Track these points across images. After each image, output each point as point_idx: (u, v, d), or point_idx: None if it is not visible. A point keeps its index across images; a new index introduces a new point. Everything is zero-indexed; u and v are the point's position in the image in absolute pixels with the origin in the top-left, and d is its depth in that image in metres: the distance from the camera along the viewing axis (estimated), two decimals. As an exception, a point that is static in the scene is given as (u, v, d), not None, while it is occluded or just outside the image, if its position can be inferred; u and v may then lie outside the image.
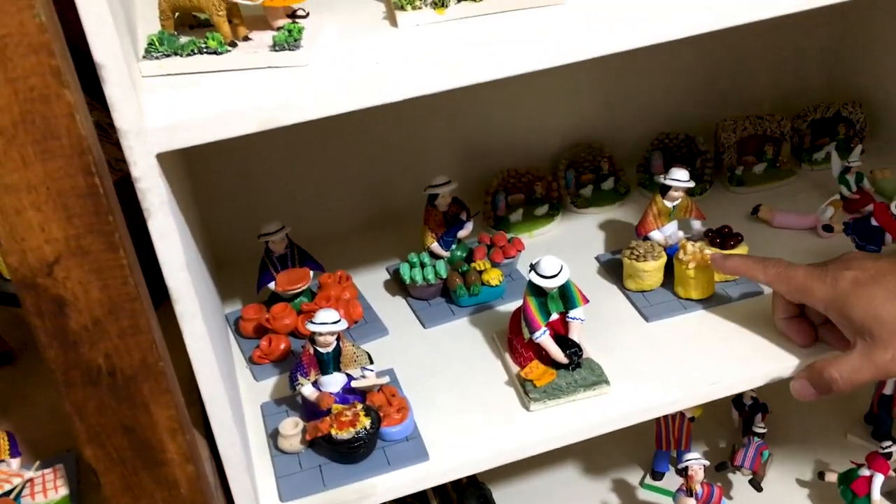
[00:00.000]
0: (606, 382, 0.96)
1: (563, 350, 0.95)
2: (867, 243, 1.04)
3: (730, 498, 1.34)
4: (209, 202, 1.21)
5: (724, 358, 1.00)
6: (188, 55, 0.71)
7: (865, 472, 1.23)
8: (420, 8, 0.77)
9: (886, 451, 1.24)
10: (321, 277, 1.11)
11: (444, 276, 1.11)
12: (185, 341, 0.72)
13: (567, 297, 0.96)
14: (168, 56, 0.72)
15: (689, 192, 1.28)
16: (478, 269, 1.11)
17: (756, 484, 1.30)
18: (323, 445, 0.89)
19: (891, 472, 1.23)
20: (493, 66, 0.72)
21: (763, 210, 1.22)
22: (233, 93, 0.68)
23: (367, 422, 0.88)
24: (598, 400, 0.96)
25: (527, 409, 0.95)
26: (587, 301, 0.98)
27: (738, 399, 1.41)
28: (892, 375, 0.89)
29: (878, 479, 1.21)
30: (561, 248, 1.23)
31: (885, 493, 1.28)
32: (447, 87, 0.71)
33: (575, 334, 0.97)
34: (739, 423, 1.42)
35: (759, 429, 1.33)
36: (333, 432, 0.86)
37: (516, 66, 0.73)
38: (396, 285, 1.18)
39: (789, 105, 1.41)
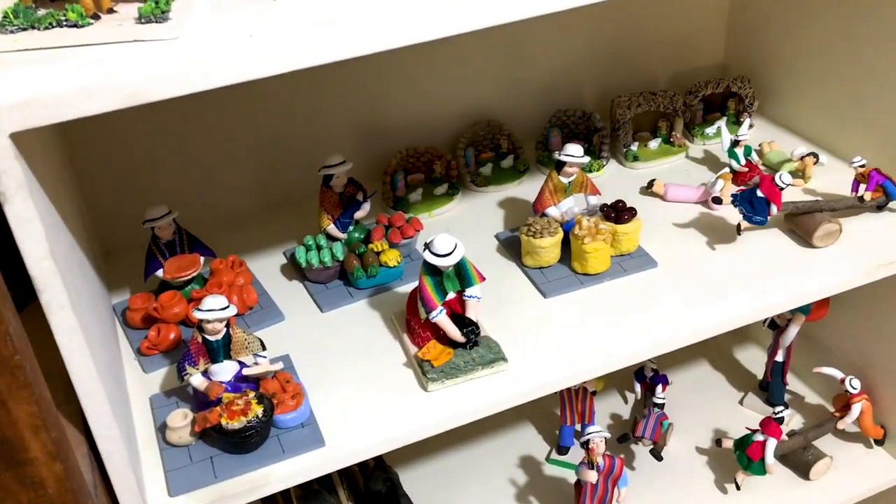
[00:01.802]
0: (504, 359, 0.95)
1: (460, 329, 0.95)
2: (754, 214, 1.07)
3: (633, 468, 1.37)
4: (94, 188, 1.15)
5: (621, 330, 1.01)
6: (46, 28, 0.67)
7: (759, 437, 1.26)
8: (299, -23, 0.74)
9: (778, 416, 1.28)
10: (212, 263, 1.08)
11: (341, 258, 1.09)
12: (54, 334, 0.67)
13: (463, 275, 0.95)
14: (24, 30, 0.67)
15: (585, 167, 1.29)
16: (375, 250, 1.09)
17: (656, 454, 1.33)
18: (214, 436, 0.86)
19: (783, 437, 1.28)
20: (376, 37, 0.70)
21: (656, 184, 1.24)
22: (94, 68, 0.64)
23: (259, 410, 0.85)
24: (497, 377, 0.96)
25: (425, 389, 0.94)
26: (483, 279, 0.97)
27: (639, 371, 1.44)
28: None
29: (772, 444, 1.25)
30: (460, 227, 1.22)
31: (780, 457, 1.33)
32: (327, 61, 0.68)
33: (472, 312, 0.96)
34: (642, 395, 1.45)
35: (659, 399, 1.35)
36: (223, 422, 0.83)
37: (402, 37, 0.71)
38: (293, 269, 1.15)
39: (683, 81, 1.44)
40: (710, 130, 1.35)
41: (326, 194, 1.12)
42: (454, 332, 0.94)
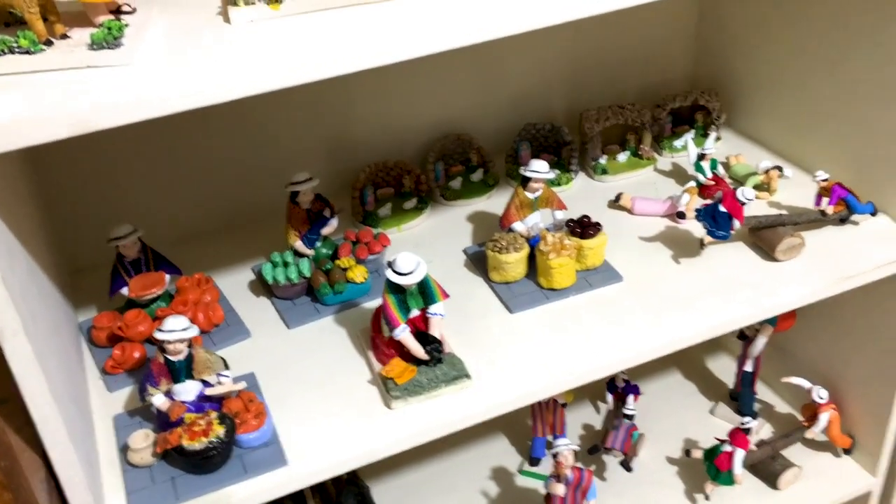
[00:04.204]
0: (467, 376, 0.96)
1: (424, 346, 0.95)
2: (717, 229, 1.08)
3: (603, 479, 1.37)
4: (59, 207, 1.15)
5: (586, 346, 1.02)
6: (-2, 55, 0.67)
7: (727, 447, 1.27)
8: (253, 3, 0.75)
9: (746, 426, 1.29)
10: (179, 281, 1.08)
11: (308, 274, 1.09)
12: (8, 361, 0.67)
13: (426, 292, 0.96)
14: (-24, 57, 0.67)
15: (555, 181, 1.30)
16: (342, 266, 1.10)
17: (626, 465, 1.33)
18: (175, 457, 0.86)
19: (751, 447, 1.29)
20: (330, 63, 0.70)
21: (624, 198, 1.25)
22: (45, 95, 0.64)
23: (221, 430, 0.85)
24: (461, 394, 0.96)
25: (388, 407, 0.94)
26: (447, 296, 0.97)
27: (611, 382, 1.44)
28: None
29: (739, 455, 1.26)
30: (429, 241, 1.23)
31: (749, 467, 1.34)
32: (278, 87, 0.69)
33: (435, 330, 0.96)
34: (614, 405, 1.46)
35: (629, 410, 1.36)
36: (184, 443, 0.84)
37: (353, 63, 0.72)
38: (261, 286, 1.15)
39: (653, 94, 1.45)
40: (678, 143, 1.36)
41: (293, 211, 1.12)
42: (417, 349, 0.94)
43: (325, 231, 1.14)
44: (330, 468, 0.90)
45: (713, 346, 1.59)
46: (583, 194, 1.31)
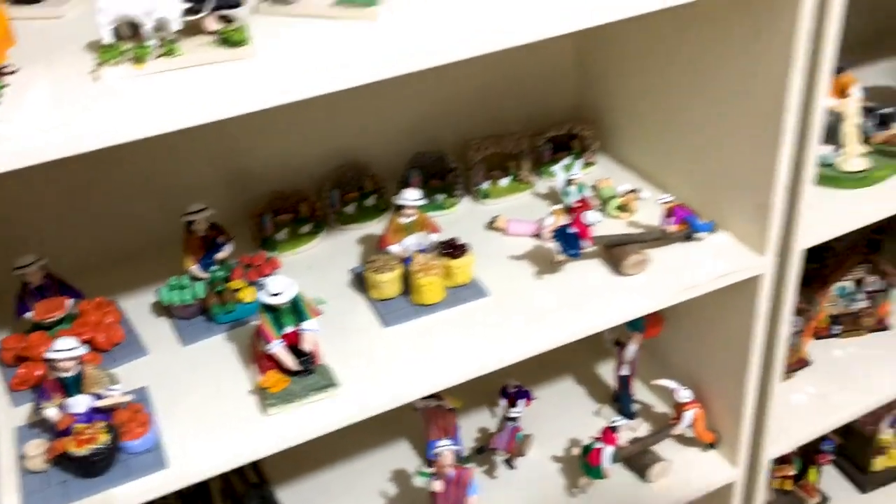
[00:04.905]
0: (335, 385, 1.08)
1: (297, 358, 1.07)
2: (568, 247, 1.21)
3: (494, 477, 1.50)
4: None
5: (450, 355, 1.14)
6: None
7: (598, 444, 1.40)
8: (120, 63, 0.86)
9: (613, 425, 1.42)
10: (80, 305, 1.18)
11: (202, 296, 1.20)
12: None
13: (298, 311, 1.07)
14: None
15: (442, 205, 1.43)
16: (233, 287, 1.21)
17: (510, 463, 1.46)
18: (66, 463, 0.97)
19: (620, 443, 1.42)
20: (185, 115, 0.82)
21: (499, 220, 1.37)
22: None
23: (106, 438, 0.96)
24: (331, 401, 1.08)
25: (265, 413, 1.06)
26: (318, 313, 1.09)
27: (504, 388, 1.57)
28: None
29: (608, 451, 1.39)
30: (320, 263, 1.34)
31: (624, 462, 1.47)
32: (140, 137, 0.81)
33: (306, 344, 1.08)
34: (507, 409, 1.58)
35: (513, 413, 1.49)
36: (71, 449, 0.94)
37: (202, 115, 0.83)
38: (161, 308, 1.26)
39: (538, 123, 1.57)
40: (556, 169, 1.49)
41: (189, 238, 1.23)
42: (289, 361, 1.06)
43: (220, 256, 1.25)
44: (208, 469, 1.01)
45: (601, 353, 1.72)
46: (466, 217, 1.43)
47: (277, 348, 1.06)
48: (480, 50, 0.92)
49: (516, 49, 0.98)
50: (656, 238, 1.28)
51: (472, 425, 1.60)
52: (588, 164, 1.51)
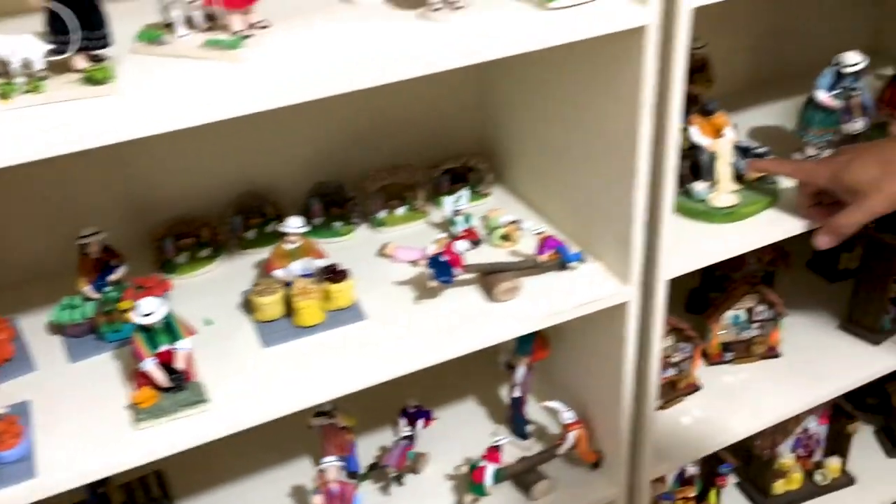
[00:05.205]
0: (205, 401, 1.14)
1: (168, 376, 1.13)
2: (440, 274, 1.28)
3: (388, 493, 1.56)
4: None
5: (321, 374, 1.21)
6: None
7: (482, 463, 1.47)
8: (-8, 97, 0.94)
9: (496, 444, 1.49)
10: (-28, 323, 1.24)
11: (92, 315, 1.27)
12: None
13: (171, 330, 1.14)
14: None
15: (339, 232, 1.50)
16: (122, 308, 1.27)
17: (398, 479, 1.52)
18: (-64, 471, 1.03)
19: (504, 461, 1.48)
20: (44, 145, 0.90)
21: (388, 247, 1.44)
22: None
23: (-25, 448, 1.02)
24: (201, 416, 1.14)
25: (136, 427, 1.12)
26: (191, 333, 1.16)
27: (404, 408, 1.63)
28: (877, 215, 1.32)
29: (490, 468, 1.46)
30: (217, 285, 1.41)
31: (511, 479, 1.54)
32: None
33: (179, 362, 1.15)
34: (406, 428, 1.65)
35: (405, 432, 1.55)
36: (-61, 459, 1.00)
37: (61, 146, 0.91)
38: (56, 326, 1.32)
39: (435, 156, 1.65)
40: (444, 199, 1.57)
41: (83, 260, 1.30)
42: (160, 378, 1.13)
43: (113, 277, 1.31)
44: (76, 479, 1.07)
45: (504, 375, 1.79)
46: (361, 244, 1.50)
47: (149, 366, 1.12)
48: (328, 92, 1.00)
49: (416, 83, 1.06)
50: (529, 267, 1.36)
51: (379, 444, 1.66)
52: (482, 196, 1.59)
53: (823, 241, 1.39)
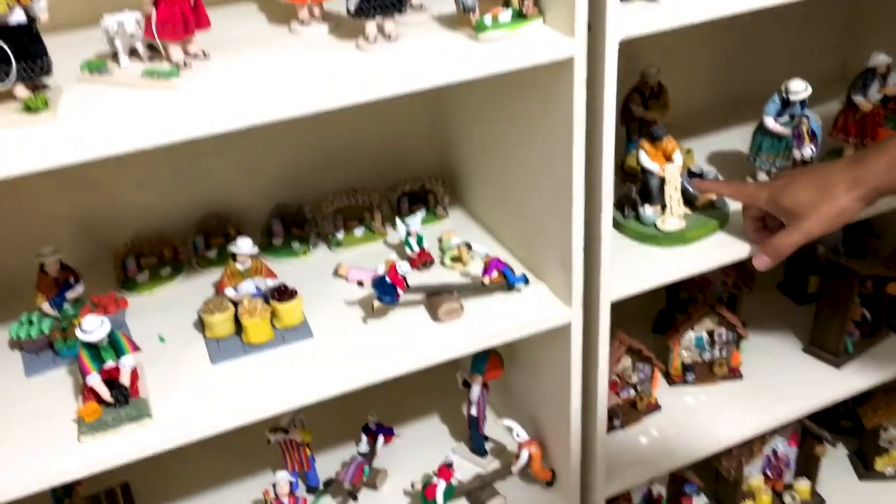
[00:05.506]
0: (148, 416, 1.18)
1: (112, 391, 1.17)
2: (384, 295, 1.32)
3: (351, 507, 1.59)
4: None
5: (265, 390, 1.25)
6: None
7: (435, 479, 1.50)
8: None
9: (448, 461, 1.52)
10: (-67, 337, 1.30)
11: (47, 331, 1.32)
12: None
13: (116, 347, 1.18)
14: None
15: (297, 252, 1.54)
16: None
17: (352, 495, 1.55)
18: None
19: (460, 479, 1.51)
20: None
21: (342, 268, 1.49)
22: None
23: (-79, 458, 1.07)
24: (144, 430, 1.18)
25: (79, 441, 1.17)
26: (136, 349, 1.21)
27: (366, 425, 1.67)
28: (814, 237, 1.34)
29: (441, 485, 1.49)
30: (175, 303, 1.46)
31: (464, 496, 1.57)
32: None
33: (124, 377, 1.19)
34: (369, 445, 1.68)
35: (361, 448, 1.59)
36: None
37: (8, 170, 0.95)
38: (14, 342, 1.37)
39: (394, 178, 1.69)
40: (399, 221, 1.60)
41: (42, 278, 1.35)
42: (104, 393, 1.17)
43: (71, 295, 1.36)
44: (20, 490, 1.11)
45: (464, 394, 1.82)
46: (317, 264, 1.54)
47: (93, 381, 1.17)
48: (259, 120, 1.04)
49: (374, 108, 1.10)
50: (474, 288, 1.39)
51: (346, 459, 1.69)
52: (439, 217, 1.63)
53: (762, 262, 1.41)
